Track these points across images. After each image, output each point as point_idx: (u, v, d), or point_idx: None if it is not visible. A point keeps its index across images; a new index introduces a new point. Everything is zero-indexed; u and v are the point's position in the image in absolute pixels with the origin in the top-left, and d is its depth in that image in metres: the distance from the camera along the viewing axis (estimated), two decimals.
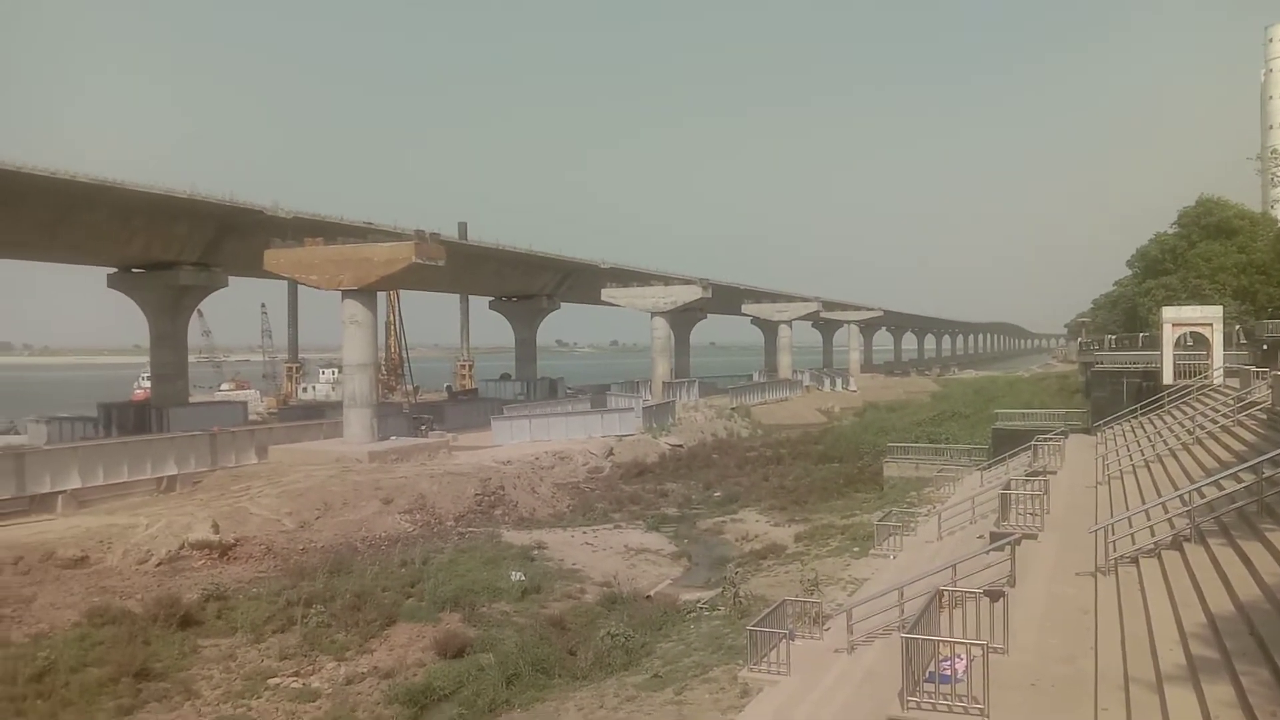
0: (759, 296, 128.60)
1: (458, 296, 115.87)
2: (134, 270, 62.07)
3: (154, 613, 25.59)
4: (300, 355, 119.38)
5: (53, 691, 21.07)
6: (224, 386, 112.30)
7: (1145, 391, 40.23)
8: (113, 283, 63.09)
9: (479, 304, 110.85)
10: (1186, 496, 17.01)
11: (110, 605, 26.53)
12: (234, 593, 28.77)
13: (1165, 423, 31.84)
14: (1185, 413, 31.27)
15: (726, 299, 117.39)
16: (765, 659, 16.01)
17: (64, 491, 40.37)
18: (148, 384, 75.13)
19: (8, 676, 21.32)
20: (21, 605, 26.68)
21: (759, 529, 40.99)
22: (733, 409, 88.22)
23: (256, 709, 21.51)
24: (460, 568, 32.36)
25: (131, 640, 23.76)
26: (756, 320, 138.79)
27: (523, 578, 31.26)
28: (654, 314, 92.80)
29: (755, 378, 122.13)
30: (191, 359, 74.98)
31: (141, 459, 45.11)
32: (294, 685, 22.76)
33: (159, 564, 32.12)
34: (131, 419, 62.08)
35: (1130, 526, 17.42)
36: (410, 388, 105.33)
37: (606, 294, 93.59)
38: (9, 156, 45.31)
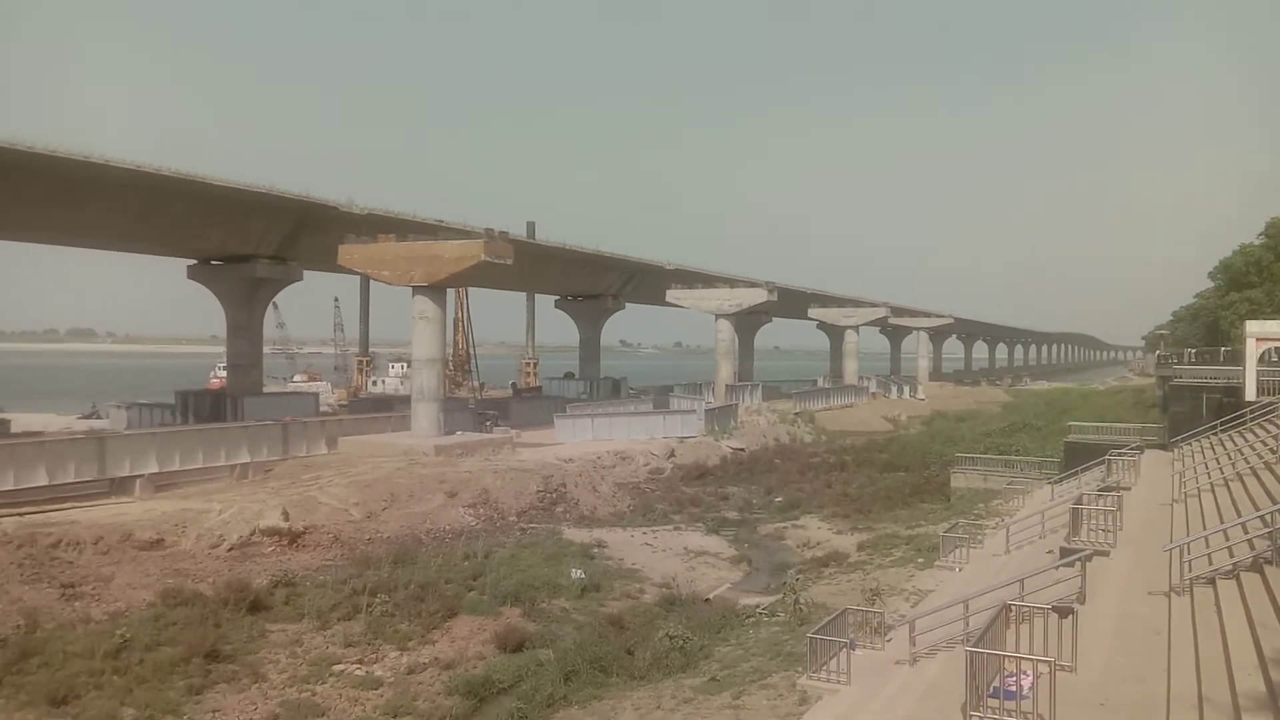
0: (825, 301, 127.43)
1: (524, 295, 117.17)
2: (213, 262, 63.95)
3: (225, 596, 26.35)
4: (371, 349, 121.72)
5: (128, 668, 21.84)
6: (296, 378, 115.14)
7: (1226, 408, 38.94)
8: (192, 274, 65.10)
9: (545, 303, 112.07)
10: (1268, 517, 16.46)
11: (183, 587, 27.37)
12: (302, 579, 29.45)
13: (1246, 440, 30.80)
14: (1268, 430, 30.23)
15: (792, 303, 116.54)
16: (825, 667, 15.89)
17: (142, 476, 41.67)
18: (224, 373, 77.35)
19: (87, 651, 22.20)
20: (101, 584, 27.72)
21: (821, 536, 40.62)
22: (796, 414, 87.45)
23: (321, 694, 21.99)
24: (521, 563, 32.70)
25: (203, 622, 24.47)
26: (822, 325, 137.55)
27: (583, 575, 31.44)
28: (718, 316, 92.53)
29: (820, 383, 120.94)
30: (266, 350, 76.77)
31: (216, 446, 46.38)
32: (357, 672, 23.24)
33: (230, 549, 33.01)
34: (207, 407, 63.94)
35: (1207, 546, 16.92)
36: (476, 384, 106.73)
37: (671, 295, 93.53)
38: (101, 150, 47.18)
